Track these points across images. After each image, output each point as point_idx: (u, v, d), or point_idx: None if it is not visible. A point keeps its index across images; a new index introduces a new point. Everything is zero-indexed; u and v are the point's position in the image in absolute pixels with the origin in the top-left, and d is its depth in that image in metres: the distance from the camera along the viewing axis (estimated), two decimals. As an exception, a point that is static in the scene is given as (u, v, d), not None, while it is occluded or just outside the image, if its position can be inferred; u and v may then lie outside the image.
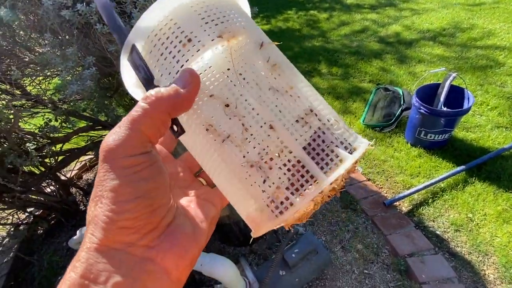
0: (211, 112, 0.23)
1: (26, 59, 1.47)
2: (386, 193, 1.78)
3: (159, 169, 0.20)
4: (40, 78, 1.56)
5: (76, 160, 1.82)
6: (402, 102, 2.19)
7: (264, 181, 0.22)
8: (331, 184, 0.21)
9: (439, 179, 1.72)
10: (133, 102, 1.94)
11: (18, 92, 1.37)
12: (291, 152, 0.22)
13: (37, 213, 1.80)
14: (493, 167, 1.77)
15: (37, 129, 1.37)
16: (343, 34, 3.43)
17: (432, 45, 2.97)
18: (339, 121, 0.24)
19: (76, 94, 1.12)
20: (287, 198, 0.22)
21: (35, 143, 1.39)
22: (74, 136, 1.65)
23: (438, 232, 1.54)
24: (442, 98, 1.92)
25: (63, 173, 1.86)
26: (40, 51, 1.38)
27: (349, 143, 0.23)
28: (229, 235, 1.44)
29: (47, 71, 1.51)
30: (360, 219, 1.63)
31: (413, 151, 1.97)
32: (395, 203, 1.68)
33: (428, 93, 1.96)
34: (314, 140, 0.23)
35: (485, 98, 2.26)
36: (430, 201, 1.68)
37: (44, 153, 1.31)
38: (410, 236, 1.52)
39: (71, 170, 2.00)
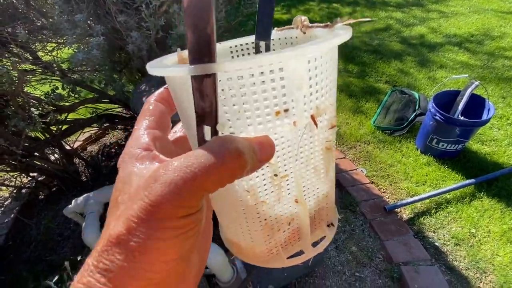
0: (260, 177, 0.22)
1: (39, 24, 1.47)
2: (388, 198, 1.73)
3: (203, 222, 0.18)
4: (53, 45, 1.56)
5: (81, 130, 1.83)
6: (417, 107, 2.10)
7: (269, 236, 0.26)
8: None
9: (445, 190, 1.65)
10: (143, 78, 1.91)
11: (28, 56, 1.36)
12: (297, 221, 0.26)
13: (39, 178, 1.83)
14: (504, 184, 1.69)
15: (43, 95, 1.36)
16: (363, 31, 3.31)
17: (457, 51, 2.83)
18: (334, 205, 0.30)
19: (82, 63, 1.10)
20: (277, 251, 0.28)
21: (40, 109, 1.39)
22: (80, 107, 1.65)
23: (437, 244, 1.49)
24: (460, 107, 1.83)
25: (68, 143, 1.88)
26: (55, 18, 1.37)
27: (331, 219, 0.30)
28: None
29: (59, 38, 1.50)
30: (358, 221, 1.60)
31: (422, 158, 1.90)
32: (396, 209, 1.64)
33: (446, 100, 1.87)
34: (314, 215, 0.28)
35: (506, 111, 2.15)
36: (433, 211, 1.63)
37: (48, 120, 1.31)
38: (407, 244, 1.47)
39: (75, 140, 2.02)
